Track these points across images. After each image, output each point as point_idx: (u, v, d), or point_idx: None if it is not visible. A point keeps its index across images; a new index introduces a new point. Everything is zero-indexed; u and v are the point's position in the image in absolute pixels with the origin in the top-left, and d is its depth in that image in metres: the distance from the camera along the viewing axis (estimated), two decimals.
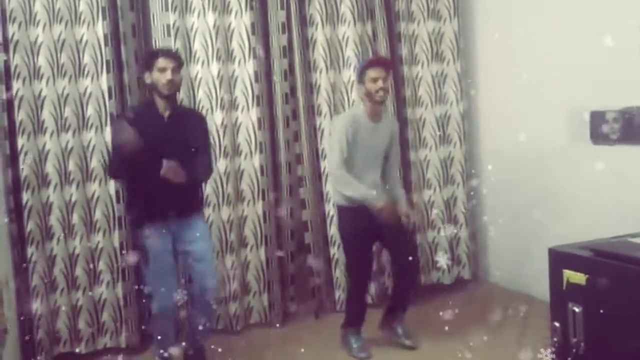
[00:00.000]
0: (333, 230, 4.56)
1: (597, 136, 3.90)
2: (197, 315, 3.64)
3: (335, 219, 4.49)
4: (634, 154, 3.74)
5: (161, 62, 3.42)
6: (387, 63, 3.96)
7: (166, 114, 3.49)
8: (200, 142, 3.57)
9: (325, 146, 4.45)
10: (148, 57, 3.58)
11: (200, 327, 3.62)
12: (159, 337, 3.63)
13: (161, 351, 3.62)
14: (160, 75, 3.41)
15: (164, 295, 3.47)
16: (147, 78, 3.49)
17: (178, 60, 3.52)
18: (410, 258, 3.89)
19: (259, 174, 4.34)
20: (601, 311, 2.54)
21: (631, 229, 2.96)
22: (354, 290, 3.96)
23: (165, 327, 3.60)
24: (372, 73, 3.72)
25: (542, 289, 3.92)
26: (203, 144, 3.61)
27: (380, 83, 3.71)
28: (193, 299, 3.63)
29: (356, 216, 3.74)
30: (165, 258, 3.50)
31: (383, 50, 4.64)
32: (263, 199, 4.36)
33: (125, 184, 3.74)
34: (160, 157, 3.29)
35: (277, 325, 4.41)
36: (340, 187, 3.76)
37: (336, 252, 4.58)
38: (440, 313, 4.33)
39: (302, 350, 3.91)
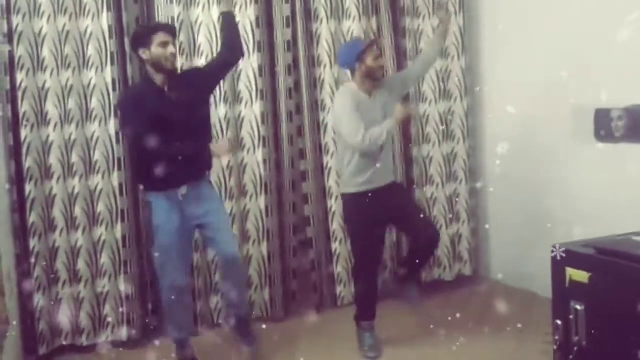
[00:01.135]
0: (335, 226, 4.56)
1: (602, 134, 3.89)
2: (231, 288, 3.64)
3: (336, 214, 4.51)
4: (638, 151, 3.73)
5: (162, 36, 3.38)
6: (378, 42, 4.13)
7: (165, 86, 3.45)
8: (207, 77, 3.60)
9: (333, 123, 4.10)
10: (145, 33, 3.47)
11: (237, 298, 3.65)
12: (174, 319, 3.61)
13: (176, 335, 3.65)
14: (163, 49, 3.36)
15: (175, 275, 3.45)
16: (144, 54, 3.41)
17: (176, 34, 3.55)
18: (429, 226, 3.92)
19: (262, 168, 4.34)
20: (603, 309, 2.53)
21: (635, 227, 2.95)
22: (362, 282, 3.90)
23: (178, 306, 3.54)
24: (372, 52, 3.76)
25: (543, 286, 3.95)
26: (211, 65, 3.69)
27: (381, 61, 3.84)
28: (223, 272, 3.71)
29: (363, 203, 3.73)
30: (174, 234, 3.47)
31: (387, 45, 4.63)
32: (266, 193, 4.36)
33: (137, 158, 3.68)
34: (170, 130, 3.31)
35: (278, 320, 4.42)
36: (372, 143, 3.61)
37: (338, 247, 4.58)
38: (441, 310, 4.35)
39: (303, 345, 3.92)
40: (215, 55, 4.00)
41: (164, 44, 3.36)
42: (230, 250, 3.58)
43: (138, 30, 3.81)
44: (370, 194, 3.73)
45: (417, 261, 3.94)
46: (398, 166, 4.64)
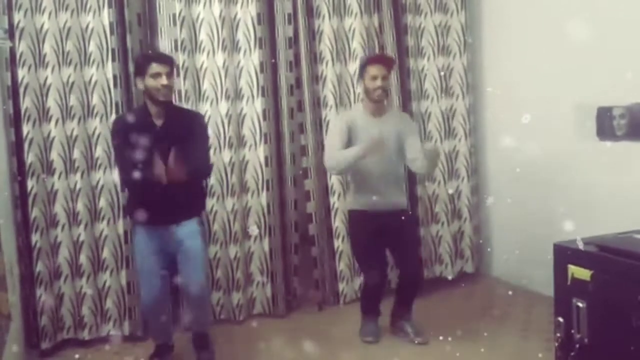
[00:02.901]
0: (337, 223, 4.56)
1: (604, 132, 3.89)
2: (188, 312, 3.72)
3: (339, 211, 4.52)
4: (636, 150, 3.72)
5: (155, 67, 3.34)
6: (388, 61, 3.90)
7: (159, 122, 3.41)
8: (196, 140, 3.44)
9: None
10: (140, 63, 3.44)
11: (193, 321, 3.69)
12: (149, 328, 3.80)
13: (154, 340, 3.75)
14: (154, 81, 3.32)
15: (146, 293, 3.53)
16: (139, 84, 3.40)
17: (172, 64, 3.45)
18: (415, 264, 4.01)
19: (263, 165, 4.33)
20: (605, 307, 2.53)
21: (636, 225, 2.95)
22: (367, 289, 4.00)
23: (152, 319, 3.64)
24: (371, 70, 3.69)
25: (545, 284, 3.95)
26: (200, 140, 3.51)
27: (378, 82, 3.69)
28: (185, 296, 3.70)
29: (365, 219, 3.81)
30: (149, 260, 3.50)
31: (389, 42, 4.62)
32: (267, 190, 4.36)
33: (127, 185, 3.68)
34: (150, 165, 3.29)
35: (280, 316, 4.42)
36: (338, 164, 3.66)
37: (340, 244, 4.58)
38: (443, 307, 4.35)
39: (304, 341, 3.92)
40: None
41: (156, 75, 3.32)
42: (196, 289, 3.53)
43: (136, 59, 3.78)
44: (369, 214, 3.80)
45: (402, 296, 3.96)
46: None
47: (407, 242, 3.93)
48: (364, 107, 3.84)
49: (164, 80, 3.32)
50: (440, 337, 3.86)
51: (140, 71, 3.38)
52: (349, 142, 3.71)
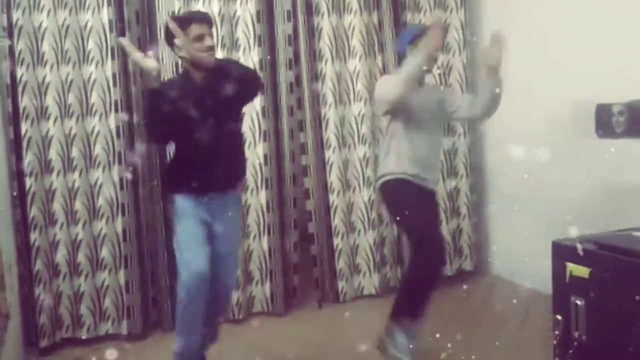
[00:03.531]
0: (337, 221, 4.56)
1: (603, 129, 3.87)
2: (214, 308, 3.28)
3: (338, 209, 4.50)
4: (639, 147, 3.71)
5: (196, 28, 2.93)
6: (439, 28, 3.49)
7: (204, 83, 3.02)
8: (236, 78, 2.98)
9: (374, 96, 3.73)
10: (178, 26, 2.93)
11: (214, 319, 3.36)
12: (185, 324, 3.11)
13: (185, 343, 3.15)
14: (199, 44, 2.92)
15: (193, 267, 2.97)
16: (179, 50, 2.96)
17: (211, 23, 3.09)
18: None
19: (262, 162, 4.33)
20: (604, 305, 2.53)
21: (635, 223, 2.95)
22: (424, 271, 3.42)
23: (196, 303, 3.04)
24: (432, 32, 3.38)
25: (544, 282, 3.94)
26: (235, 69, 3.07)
27: (436, 53, 3.47)
28: (214, 290, 3.16)
29: (414, 186, 3.47)
30: (197, 226, 3.08)
31: (389, 40, 4.62)
32: (267, 188, 4.35)
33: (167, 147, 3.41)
34: (200, 126, 2.97)
35: (279, 315, 4.42)
36: (404, 80, 3.29)
37: (340, 242, 4.58)
38: (441, 304, 4.33)
39: (304, 340, 3.92)
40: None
41: (199, 38, 2.93)
42: (231, 281, 3.34)
43: (171, 19, 3.18)
44: (417, 184, 3.48)
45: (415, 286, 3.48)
46: None
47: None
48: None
49: (208, 42, 2.94)
50: (437, 335, 3.86)
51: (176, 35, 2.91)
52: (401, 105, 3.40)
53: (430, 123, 3.57)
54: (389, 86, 3.37)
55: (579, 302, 2.64)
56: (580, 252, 2.63)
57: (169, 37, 3.04)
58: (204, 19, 3.03)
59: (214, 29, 3.52)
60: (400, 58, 3.66)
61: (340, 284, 4.60)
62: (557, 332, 2.74)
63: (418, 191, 3.49)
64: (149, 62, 2.87)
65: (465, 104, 3.63)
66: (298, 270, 4.58)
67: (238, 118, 3.37)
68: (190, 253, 3.04)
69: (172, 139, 3.17)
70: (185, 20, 2.99)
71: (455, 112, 3.65)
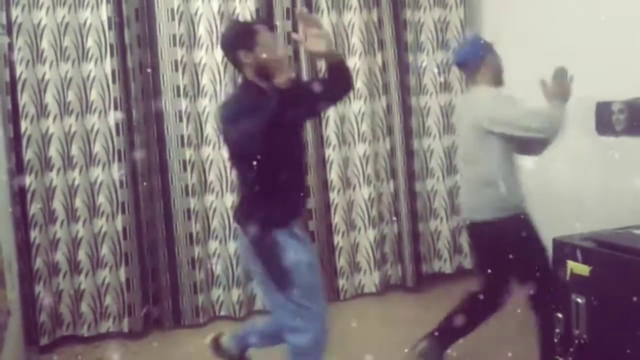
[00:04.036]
0: (337, 219, 4.57)
1: (603, 127, 3.87)
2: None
3: (339, 207, 4.51)
4: (639, 145, 3.71)
5: (265, 36, 2.58)
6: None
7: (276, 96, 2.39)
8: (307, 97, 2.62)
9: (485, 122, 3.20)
10: (243, 34, 2.61)
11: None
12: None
13: None
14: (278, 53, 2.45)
15: (323, 302, 2.72)
16: (246, 58, 2.55)
17: (273, 29, 2.87)
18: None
19: None
20: (604, 303, 2.53)
21: (635, 221, 2.95)
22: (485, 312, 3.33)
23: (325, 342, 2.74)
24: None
25: None
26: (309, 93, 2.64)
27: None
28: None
29: (525, 224, 3.15)
30: (316, 269, 2.76)
31: (388, 37, 4.61)
32: None
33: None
34: (294, 149, 2.71)
35: None
36: (546, 121, 3.12)
37: (340, 240, 4.58)
38: (442, 302, 4.33)
39: None
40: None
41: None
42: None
43: (235, 27, 3.01)
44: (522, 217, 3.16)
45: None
46: (399, 158, 4.64)
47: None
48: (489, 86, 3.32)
49: (285, 50, 2.70)
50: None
51: (246, 44, 2.55)
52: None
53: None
54: (531, 117, 3.12)
55: (579, 300, 2.64)
56: (580, 255, 2.63)
57: (235, 45, 2.61)
58: (270, 26, 2.72)
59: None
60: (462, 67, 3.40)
61: (341, 282, 4.60)
62: (557, 330, 2.75)
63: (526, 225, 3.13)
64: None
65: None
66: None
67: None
68: (319, 298, 2.71)
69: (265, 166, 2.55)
70: (252, 30, 2.61)
71: None
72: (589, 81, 3.91)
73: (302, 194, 2.84)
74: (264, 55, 2.46)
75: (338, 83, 2.71)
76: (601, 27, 3.82)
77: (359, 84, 4.57)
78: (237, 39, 2.63)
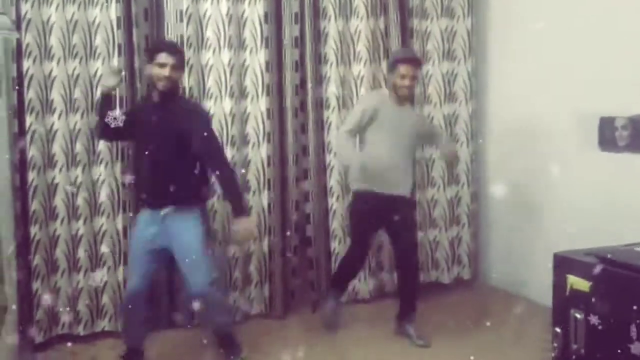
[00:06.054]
0: (335, 224, 4.56)
1: (606, 142, 3.90)
2: (209, 317, 3.67)
3: (337, 213, 4.52)
4: (637, 162, 3.73)
5: (162, 57, 3.41)
6: (418, 61, 4.01)
7: (158, 108, 3.49)
8: (205, 143, 3.47)
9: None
10: (151, 49, 3.59)
11: (217, 324, 3.67)
12: (123, 327, 3.70)
13: (127, 341, 3.65)
14: (160, 70, 3.41)
15: (131, 283, 3.56)
16: (147, 69, 3.54)
17: (180, 58, 3.52)
18: (411, 255, 4.02)
19: (265, 164, 4.34)
20: (603, 319, 2.54)
21: (636, 238, 2.96)
22: (345, 264, 4.16)
23: (130, 317, 3.59)
24: (402, 69, 3.84)
25: (541, 293, 3.95)
26: (213, 149, 3.55)
27: (406, 81, 3.86)
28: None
29: (368, 201, 3.91)
30: (138, 245, 3.55)
31: (395, 46, 4.62)
32: (269, 189, 4.36)
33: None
34: (150, 144, 3.43)
35: (278, 317, 4.42)
36: (337, 143, 4.07)
37: (337, 246, 4.57)
38: (438, 313, 4.34)
39: (303, 342, 3.92)
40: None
41: (162, 65, 3.40)
42: (198, 291, 3.51)
43: (150, 44, 4.02)
44: (372, 194, 3.90)
45: (402, 286, 4.06)
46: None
47: (406, 225, 4.00)
48: (390, 95, 3.97)
49: (166, 72, 3.40)
50: (435, 343, 3.87)
51: (150, 57, 3.49)
52: (367, 123, 3.87)
53: (405, 140, 3.99)
54: (341, 129, 4.00)
55: (578, 316, 2.65)
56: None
57: (147, 56, 3.62)
58: (171, 50, 3.49)
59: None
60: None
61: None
62: (555, 344, 2.75)
63: (371, 200, 3.99)
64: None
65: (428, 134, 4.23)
66: (296, 273, 4.58)
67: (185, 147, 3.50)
68: (130, 275, 3.64)
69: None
70: (157, 47, 3.58)
71: (420, 131, 4.11)
72: (593, 96, 3.94)
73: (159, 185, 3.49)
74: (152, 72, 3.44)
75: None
76: (606, 42, 3.84)
77: (362, 91, 4.58)
78: (146, 53, 3.68)
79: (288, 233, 4.47)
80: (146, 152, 3.46)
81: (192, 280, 3.48)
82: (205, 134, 3.49)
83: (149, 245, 3.50)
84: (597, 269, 2.58)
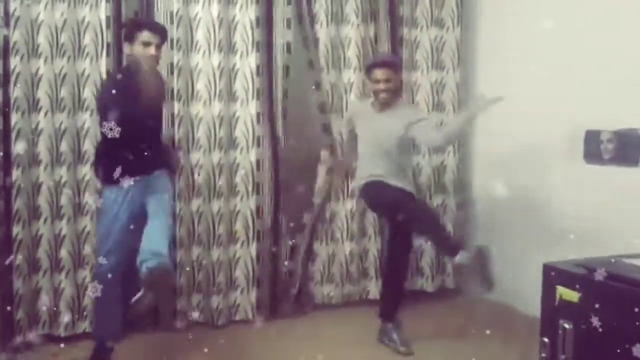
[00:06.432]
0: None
1: (591, 155, 3.94)
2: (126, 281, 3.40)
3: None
4: (626, 175, 3.77)
5: (145, 35, 3.31)
6: (391, 64, 3.95)
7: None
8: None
9: None
10: (131, 27, 3.41)
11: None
12: (97, 318, 3.43)
13: (99, 336, 3.46)
14: (144, 49, 3.30)
15: (107, 260, 3.30)
16: (127, 49, 3.39)
17: (163, 36, 3.41)
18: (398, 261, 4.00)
19: (254, 168, 4.33)
20: (592, 330, 2.55)
21: (627, 250, 2.98)
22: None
23: (106, 305, 3.35)
24: (376, 73, 3.83)
25: (526, 303, 3.97)
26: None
27: (381, 85, 3.83)
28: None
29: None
30: (114, 218, 3.32)
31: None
32: (257, 193, 4.35)
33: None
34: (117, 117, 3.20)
35: (264, 320, 4.40)
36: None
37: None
38: (421, 322, 4.34)
39: (289, 347, 3.91)
40: None
41: (147, 44, 3.31)
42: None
43: (127, 22, 3.75)
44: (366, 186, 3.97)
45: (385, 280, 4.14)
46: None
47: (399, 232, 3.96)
48: (374, 102, 3.98)
49: (152, 51, 3.30)
50: (418, 353, 3.86)
51: (130, 37, 3.35)
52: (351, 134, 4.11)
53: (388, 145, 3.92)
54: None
55: (567, 326, 2.66)
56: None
57: (125, 35, 3.48)
58: (156, 28, 3.39)
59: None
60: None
61: (323, 290, 4.62)
62: (544, 355, 2.76)
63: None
64: None
65: (429, 136, 3.92)
66: (282, 277, 4.56)
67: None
68: (101, 252, 3.41)
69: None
70: (139, 24, 3.43)
71: (420, 141, 4.11)
72: (580, 109, 3.98)
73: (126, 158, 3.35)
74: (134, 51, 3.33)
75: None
76: (594, 56, 3.88)
77: (352, 97, 4.59)
78: (125, 32, 3.48)
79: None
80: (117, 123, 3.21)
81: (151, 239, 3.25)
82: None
83: (120, 221, 3.33)
84: (587, 280, 2.59)
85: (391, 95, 3.91)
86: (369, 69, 3.92)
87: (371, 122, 3.93)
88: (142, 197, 3.36)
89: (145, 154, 3.32)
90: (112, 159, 3.31)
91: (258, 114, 4.30)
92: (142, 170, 3.35)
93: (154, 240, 3.22)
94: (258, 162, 4.33)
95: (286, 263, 4.53)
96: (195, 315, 4.23)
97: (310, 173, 4.59)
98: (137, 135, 3.28)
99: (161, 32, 3.40)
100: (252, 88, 4.28)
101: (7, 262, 3.74)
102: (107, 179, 3.37)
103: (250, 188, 4.33)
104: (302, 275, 4.59)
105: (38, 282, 3.95)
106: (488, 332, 4.03)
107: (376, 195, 3.95)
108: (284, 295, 4.51)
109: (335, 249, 4.66)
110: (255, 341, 4.08)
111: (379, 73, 3.82)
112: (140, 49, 3.31)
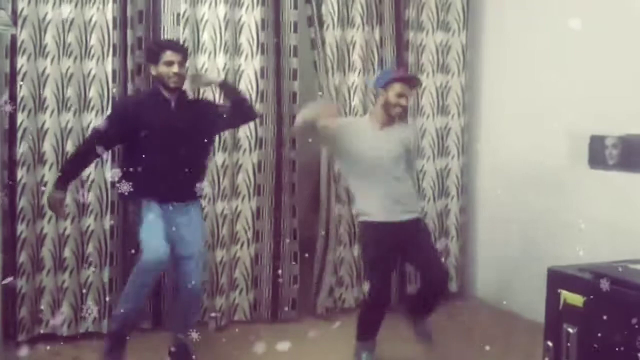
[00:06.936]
0: (341, 231, 4.60)
1: (596, 160, 3.93)
2: (179, 312, 3.63)
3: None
4: (630, 180, 3.76)
5: (169, 55, 3.44)
6: (414, 81, 3.76)
7: (173, 102, 3.51)
8: (227, 116, 3.66)
9: None
10: (155, 49, 3.55)
11: (182, 324, 3.56)
12: (126, 307, 3.40)
13: (117, 326, 3.47)
14: (167, 68, 3.43)
15: (154, 247, 3.30)
16: (153, 70, 3.51)
17: (185, 54, 3.56)
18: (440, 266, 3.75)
19: (256, 170, 4.33)
20: (596, 334, 2.55)
21: (623, 256, 2.98)
22: (369, 306, 3.73)
23: (143, 286, 3.40)
24: (398, 88, 3.55)
25: (528, 308, 3.97)
26: (230, 114, 3.68)
27: (403, 101, 3.58)
28: (178, 295, 3.62)
29: (379, 232, 3.56)
30: (158, 221, 3.37)
31: (389, 57, 4.64)
32: (258, 195, 4.35)
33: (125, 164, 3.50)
34: (168, 142, 3.40)
35: (264, 322, 4.39)
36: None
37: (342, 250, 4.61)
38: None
39: (286, 349, 3.90)
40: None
41: (169, 63, 3.42)
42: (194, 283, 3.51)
43: (149, 45, 3.91)
44: (382, 226, 3.57)
45: (425, 302, 3.71)
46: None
47: (427, 248, 3.69)
48: (371, 118, 3.70)
49: (175, 69, 3.43)
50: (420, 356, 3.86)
51: (154, 58, 3.49)
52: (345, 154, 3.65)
53: (391, 164, 3.66)
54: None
55: (571, 330, 2.66)
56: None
57: (145, 59, 3.78)
58: (177, 48, 3.54)
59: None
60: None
61: (320, 296, 4.60)
62: (547, 359, 2.76)
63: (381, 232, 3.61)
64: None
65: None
66: (283, 281, 4.56)
67: (206, 143, 3.68)
68: (151, 241, 3.34)
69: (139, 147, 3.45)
70: (162, 46, 3.57)
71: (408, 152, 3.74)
72: (584, 114, 3.98)
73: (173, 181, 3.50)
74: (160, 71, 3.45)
75: (240, 113, 3.76)
76: (599, 61, 3.88)
77: (355, 100, 4.59)
78: (147, 53, 3.73)
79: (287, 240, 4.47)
80: (166, 149, 3.40)
81: (189, 274, 3.48)
82: (222, 113, 3.69)
83: (162, 224, 3.40)
84: (592, 285, 2.59)
85: (405, 113, 3.83)
86: (390, 81, 3.58)
87: (374, 140, 3.61)
88: (176, 221, 3.48)
89: (198, 180, 3.54)
90: (153, 184, 3.40)
91: (262, 115, 4.30)
92: (182, 198, 3.52)
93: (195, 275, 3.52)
94: (260, 163, 4.34)
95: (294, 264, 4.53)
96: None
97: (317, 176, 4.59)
98: (184, 162, 3.45)
99: (183, 51, 3.55)
100: (257, 90, 4.28)
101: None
102: (148, 196, 3.42)
103: (252, 189, 4.34)
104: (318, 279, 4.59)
105: (42, 280, 3.96)
106: (490, 336, 4.02)
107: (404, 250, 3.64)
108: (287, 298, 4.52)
109: (342, 252, 4.66)
110: (255, 342, 4.08)
111: (402, 88, 3.56)
112: (164, 68, 3.43)
